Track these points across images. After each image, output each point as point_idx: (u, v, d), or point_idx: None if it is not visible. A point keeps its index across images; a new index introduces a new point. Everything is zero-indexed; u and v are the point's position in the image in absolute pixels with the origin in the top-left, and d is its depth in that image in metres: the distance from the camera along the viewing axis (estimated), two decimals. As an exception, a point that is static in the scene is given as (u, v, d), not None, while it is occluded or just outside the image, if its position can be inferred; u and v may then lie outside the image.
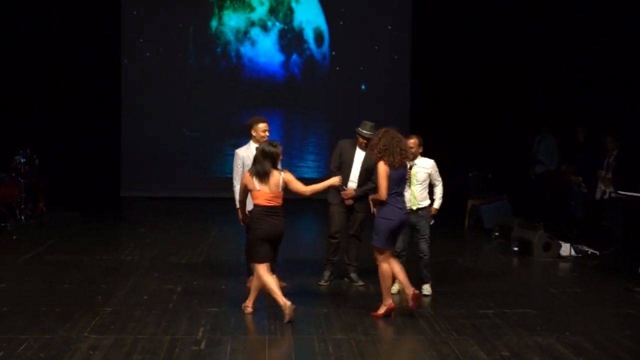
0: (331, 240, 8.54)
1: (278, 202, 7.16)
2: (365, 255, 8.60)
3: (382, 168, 7.11)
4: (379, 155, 7.12)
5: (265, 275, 7.11)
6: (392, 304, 7.24)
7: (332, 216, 8.49)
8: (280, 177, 7.12)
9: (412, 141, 7.99)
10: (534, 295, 8.52)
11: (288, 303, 6.98)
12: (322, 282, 8.51)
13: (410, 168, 8.01)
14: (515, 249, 10.75)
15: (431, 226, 8.19)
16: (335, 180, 7.52)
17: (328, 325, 7.00)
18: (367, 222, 8.57)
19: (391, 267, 7.27)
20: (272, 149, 7.16)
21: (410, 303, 7.18)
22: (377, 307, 7.29)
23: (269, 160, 7.11)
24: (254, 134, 8.14)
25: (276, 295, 7.05)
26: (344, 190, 8.38)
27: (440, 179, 8.20)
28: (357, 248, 8.62)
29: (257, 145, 8.10)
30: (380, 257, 7.24)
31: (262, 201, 7.12)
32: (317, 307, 7.57)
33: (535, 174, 13.57)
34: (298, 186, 7.18)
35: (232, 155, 8.27)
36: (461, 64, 15.96)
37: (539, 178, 13.50)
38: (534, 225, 10.83)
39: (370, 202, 7.45)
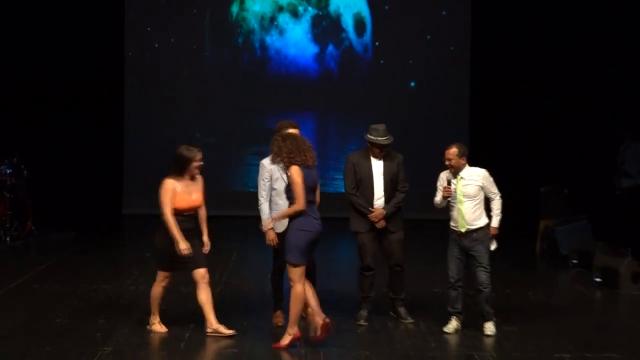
0: (366, 273, 8.46)
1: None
2: (411, 286, 8.56)
3: (297, 173, 7.33)
4: (290, 159, 7.36)
5: None
6: (298, 333, 7.40)
7: (363, 246, 8.41)
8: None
9: (452, 151, 7.97)
10: (621, 337, 8.43)
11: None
12: (362, 322, 8.43)
13: (449, 183, 7.97)
14: (598, 279, 10.64)
15: (492, 252, 8.12)
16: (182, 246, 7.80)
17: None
18: (405, 242, 8.58)
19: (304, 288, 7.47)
20: (184, 152, 7.55)
21: (318, 332, 7.36)
22: (280, 337, 7.41)
23: (174, 165, 7.55)
24: (282, 140, 8.13)
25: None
26: (371, 212, 8.34)
27: (497, 191, 8.11)
28: (402, 279, 8.55)
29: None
30: (296, 276, 7.39)
31: None
32: (357, 348, 7.56)
33: (620, 188, 13.47)
34: (162, 202, 7.67)
35: (256, 166, 8.28)
36: (531, 57, 15.87)
37: (625, 193, 13.39)
38: (620, 251, 10.72)
39: (272, 219, 7.71)
